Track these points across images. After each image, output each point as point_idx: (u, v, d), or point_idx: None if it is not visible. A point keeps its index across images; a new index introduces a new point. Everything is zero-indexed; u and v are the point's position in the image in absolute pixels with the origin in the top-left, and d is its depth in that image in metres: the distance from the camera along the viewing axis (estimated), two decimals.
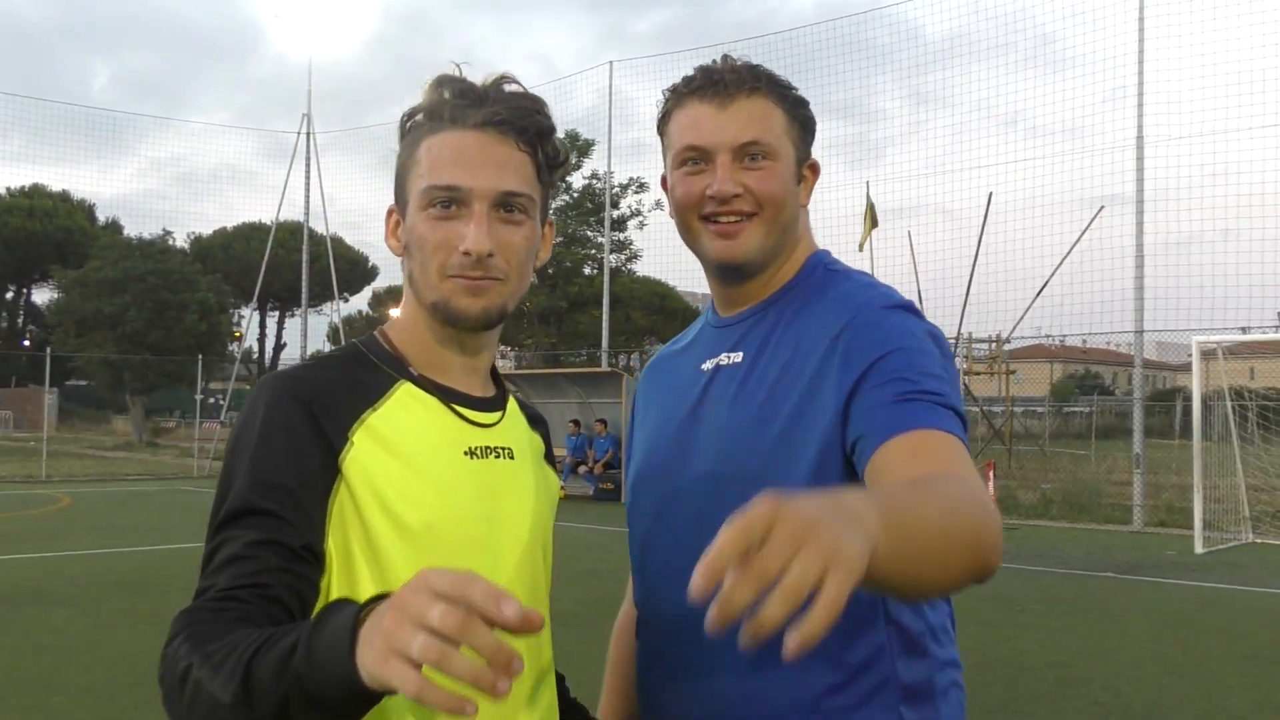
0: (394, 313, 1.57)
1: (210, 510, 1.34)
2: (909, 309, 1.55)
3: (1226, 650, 8.05)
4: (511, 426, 1.57)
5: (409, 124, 1.49)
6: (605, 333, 27.07)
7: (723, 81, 1.62)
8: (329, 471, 1.36)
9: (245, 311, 45.82)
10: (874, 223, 22.28)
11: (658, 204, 34.37)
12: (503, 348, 45.02)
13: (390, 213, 1.52)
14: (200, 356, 29.33)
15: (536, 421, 1.70)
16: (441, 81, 1.46)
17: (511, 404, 1.61)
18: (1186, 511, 15.63)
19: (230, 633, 1.14)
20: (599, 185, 34.43)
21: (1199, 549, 14.02)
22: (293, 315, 54.14)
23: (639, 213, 37.53)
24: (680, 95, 1.67)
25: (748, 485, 1.37)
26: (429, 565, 1.22)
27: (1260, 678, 7.34)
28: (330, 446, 1.36)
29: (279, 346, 57.07)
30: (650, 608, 1.70)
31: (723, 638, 0.96)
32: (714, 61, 1.69)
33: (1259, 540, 15.35)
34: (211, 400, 39.47)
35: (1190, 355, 15.68)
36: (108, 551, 12.88)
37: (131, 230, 45.74)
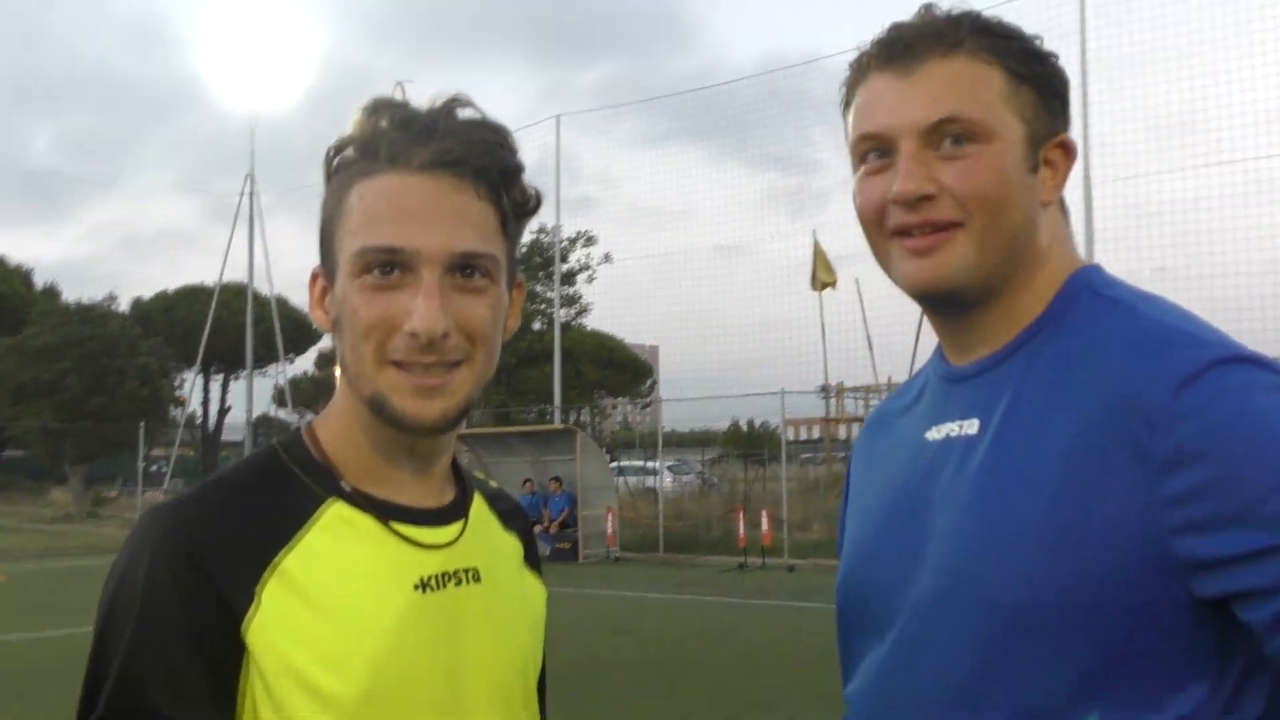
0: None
1: (82, 693, 1.07)
2: (1254, 361, 1.05)
3: None
4: (477, 538, 1.27)
5: (336, 161, 1.18)
6: (558, 389, 26.84)
7: (903, 40, 1.20)
8: (231, 647, 1.07)
9: (188, 375, 45.05)
10: (827, 271, 22.40)
11: (606, 257, 34.38)
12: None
13: (315, 277, 1.21)
14: (142, 423, 28.65)
15: (512, 516, 1.40)
16: (377, 107, 1.16)
17: (477, 505, 1.31)
18: None
19: None
20: (547, 239, 34.34)
21: None
22: (237, 378, 53.30)
23: (588, 266, 37.47)
24: (861, 67, 1.24)
25: (987, 606, 1.11)
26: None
27: None
28: (231, 614, 1.07)
29: (223, 410, 56.12)
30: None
31: None
32: (921, 9, 1.25)
33: None
34: (154, 468, 38.59)
35: None
36: (48, 635, 12.33)
37: (72, 295, 45.20)
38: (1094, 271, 1.25)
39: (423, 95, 1.17)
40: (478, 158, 1.14)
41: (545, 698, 1.44)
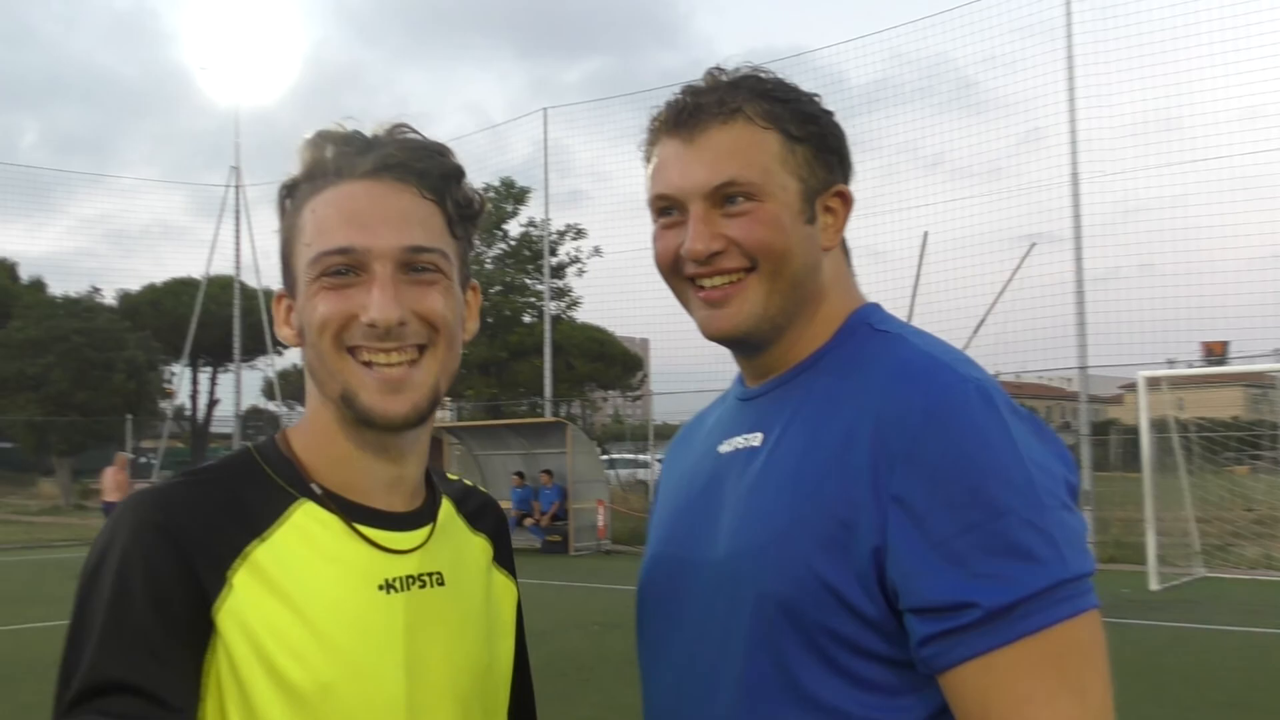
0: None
1: (60, 667, 1.08)
2: (994, 400, 1.17)
3: (1199, 697, 7.90)
4: (443, 542, 1.30)
5: (287, 197, 1.25)
6: (548, 382, 26.78)
7: (687, 108, 1.31)
8: (202, 626, 1.11)
9: (176, 368, 44.87)
10: None
11: (595, 250, 34.28)
12: (443, 398, 44.36)
13: (279, 299, 1.27)
14: (129, 416, 28.50)
15: (481, 516, 1.42)
16: (322, 137, 1.23)
17: (445, 510, 1.34)
18: (1134, 546, 15.65)
19: None
20: (536, 233, 34.26)
21: (1154, 586, 13.95)
22: (225, 370, 53.19)
23: (578, 259, 37.37)
24: (654, 130, 1.36)
25: (752, 585, 1.23)
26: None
27: None
28: (203, 594, 1.11)
29: (212, 403, 55.97)
30: (651, 714, 1.40)
31: None
32: (704, 76, 1.36)
33: (1211, 575, 15.36)
34: (143, 460, 38.46)
35: (1118, 388, 15.89)
36: (30, 627, 12.21)
37: (59, 289, 44.83)
38: (873, 309, 1.39)
39: (368, 125, 1.25)
40: (418, 161, 1.21)
41: (531, 696, 1.46)
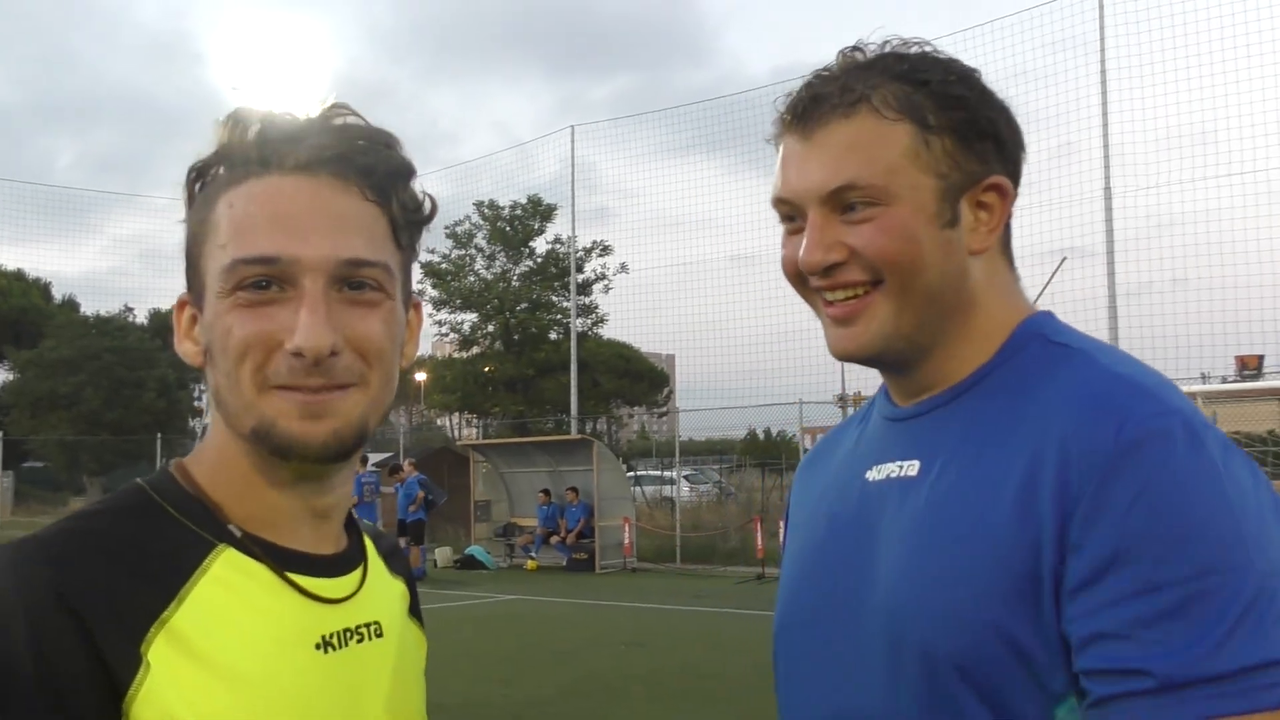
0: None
1: None
2: (1203, 438, 1.00)
3: None
4: (375, 588, 1.13)
5: (198, 182, 1.04)
6: (574, 399, 26.75)
7: (807, 99, 1.14)
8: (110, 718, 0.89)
9: (205, 386, 45.27)
10: None
11: (622, 266, 34.30)
12: (469, 416, 44.66)
13: (181, 305, 1.06)
14: (160, 435, 28.69)
15: (394, 558, 1.23)
16: (240, 117, 1.02)
17: (370, 550, 1.16)
18: None
19: None
20: (563, 249, 34.32)
21: None
22: None
23: (604, 276, 37.41)
24: (779, 123, 1.19)
25: (926, 642, 1.06)
26: None
27: None
28: (113, 682, 0.89)
29: None
30: None
31: None
32: (840, 54, 1.18)
33: None
34: None
35: None
36: None
37: (92, 308, 45.30)
38: (1046, 319, 1.19)
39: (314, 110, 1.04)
40: (361, 156, 1.01)
41: None
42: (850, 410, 28.19)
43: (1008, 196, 1.16)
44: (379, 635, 1.09)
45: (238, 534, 1.01)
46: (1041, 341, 1.14)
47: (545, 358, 36.03)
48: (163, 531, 0.98)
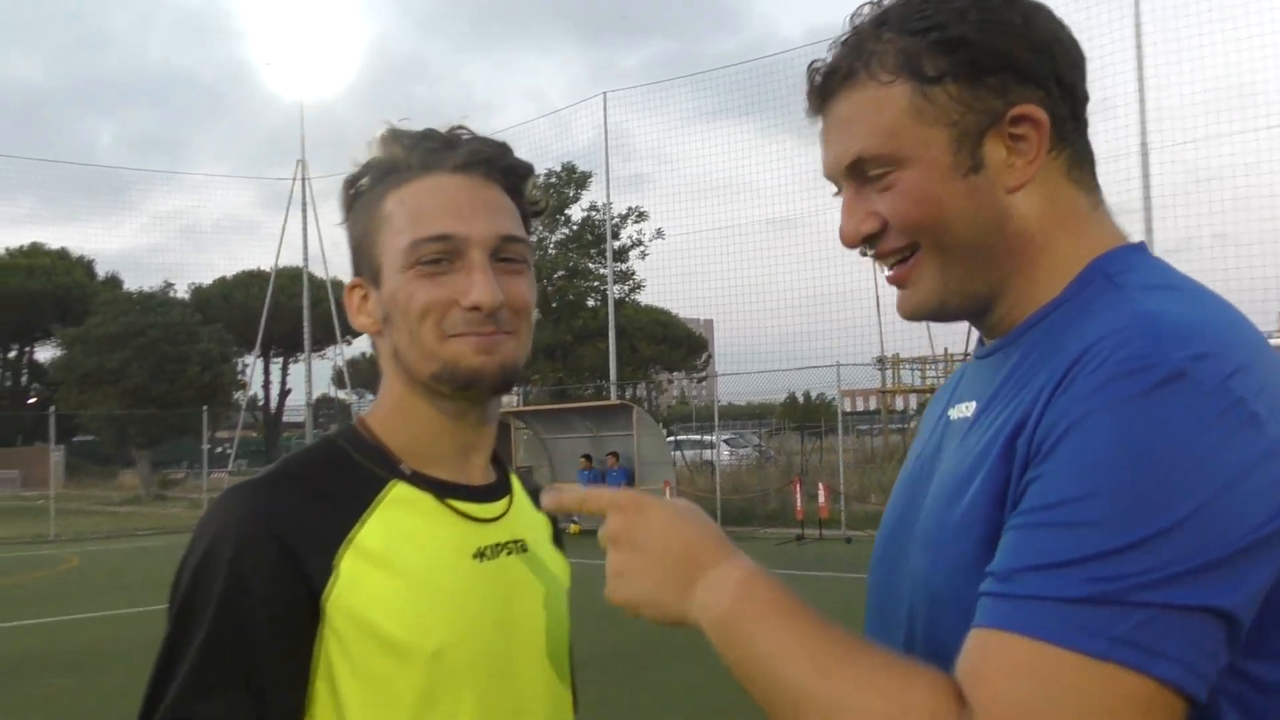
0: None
1: (155, 666, 1.12)
2: (1193, 379, 0.89)
3: None
4: (520, 513, 1.39)
5: (353, 190, 1.32)
6: (613, 365, 26.83)
7: (815, 75, 1.17)
8: (309, 618, 1.17)
9: (248, 359, 45.69)
10: None
11: (658, 232, 34.23)
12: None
13: (352, 288, 1.33)
14: (205, 408, 29.09)
15: (536, 495, 1.48)
16: (394, 135, 1.30)
17: (516, 485, 1.44)
18: None
19: None
20: (599, 217, 34.28)
21: None
22: (296, 361, 54.06)
23: (640, 242, 37.35)
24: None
25: (939, 559, 1.08)
26: (439, 693, 1.19)
27: None
28: (310, 587, 1.17)
29: (284, 393, 56.94)
30: None
31: None
32: (848, 21, 1.17)
33: None
34: (218, 450, 39.24)
35: None
36: (114, 614, 12.55)
37: (133, 284, 45.86)
38: (1122, 254, 1.11)
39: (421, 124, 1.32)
40: (502, 160, 1.30)
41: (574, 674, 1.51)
42: (889, 373, 28.09)
43: (1042, 125, 1.09)
44: (524, 550, 1.34)
45: (407, 471, 1.27)
46: (1103, 279, 1.07)
47: (583, 325, 36.09)
48: (349, 472, 1.25)
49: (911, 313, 1.17)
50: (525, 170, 1.33)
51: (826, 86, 1.15)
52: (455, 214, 1.24)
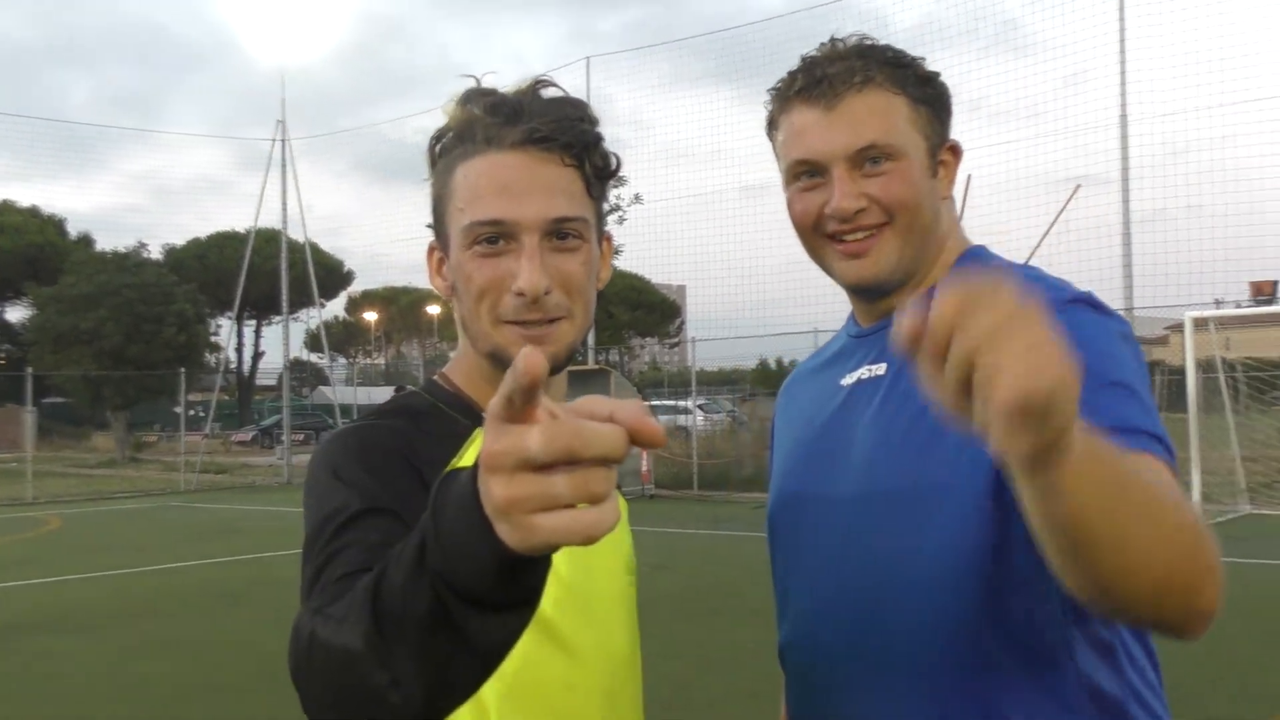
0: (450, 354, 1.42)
1: (309, 531, 1.16)
2: (1090, 303, 1.30)
3: (1246, 628, 8.06)
4: None
5: (438, 147, 1.35)
6: (591, 330, 26.89)
7: (827, 79, 1.43)
8: None
9: (222, 321, 45.35)
10: None
11: (636, 197, 34.25)
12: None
13: (432, 249, 1.40)
14: (183, 370, 28.96)
15: None
16: (469, 97, 1.32)
17: None
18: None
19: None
20: None
21: None
22: (269, 323, 53.73)
23: (617, 207, 37.37)
24: (785, 98, 1.48)
25: (903, 502, 1.34)
26: (564, 608, 1.27)
27: None
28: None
29: (257, 355, 56.61)
30: (796, 640, 1.51)
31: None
32: (821, 47, 1.48)
33: (1257, 511, 15.45)
34: (192, 412, 39.05)
35: (1163, 330, 15.81)
36: (109, 574, 12.67)
37: (105, 244, 45.33)
38: (981, 249, 1.51)
39: (506, 83, 1.35)
40: (563, 133, 1.28)
41: None
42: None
43: (959, 155, 1.50)
44: None
45: None
46: (976, 262, 1.46)
47: None
48: (438, 419, 1.33)
49: (869, 277, 1.44)
50: (587, 140, 1.31)
51: (838, 87, 1.42)
52: (509, 197, 1.26)
